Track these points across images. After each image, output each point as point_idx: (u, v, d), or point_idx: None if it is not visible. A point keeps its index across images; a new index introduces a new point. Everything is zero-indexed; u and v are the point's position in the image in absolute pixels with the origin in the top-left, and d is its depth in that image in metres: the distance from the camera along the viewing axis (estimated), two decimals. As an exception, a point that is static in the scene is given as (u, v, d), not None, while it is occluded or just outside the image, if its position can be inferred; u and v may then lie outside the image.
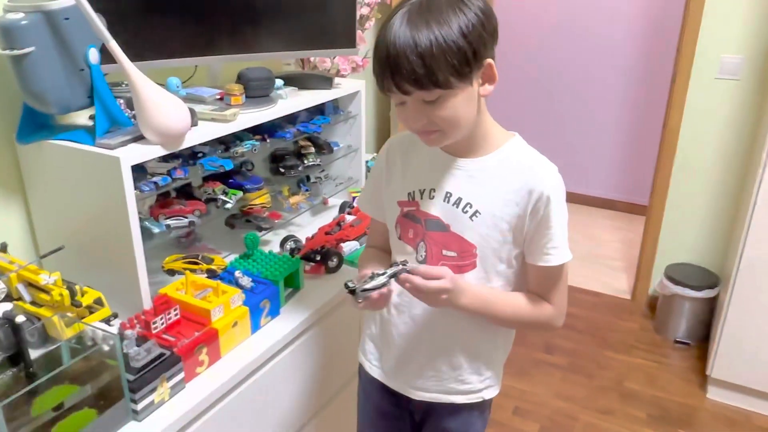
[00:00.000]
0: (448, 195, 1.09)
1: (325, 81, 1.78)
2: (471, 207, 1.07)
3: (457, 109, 0.97)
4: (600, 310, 3.04)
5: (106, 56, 1.22)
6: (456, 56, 0.92)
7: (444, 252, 1.10)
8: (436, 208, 1.10)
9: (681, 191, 2.82)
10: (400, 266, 1.02)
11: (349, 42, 1.76)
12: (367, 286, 1.01)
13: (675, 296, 2.71)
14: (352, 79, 1.94)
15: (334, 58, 1.98)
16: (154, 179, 1.31)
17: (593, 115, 4.09)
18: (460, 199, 1.08)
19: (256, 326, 1.34)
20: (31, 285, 1.20)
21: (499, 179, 1.07)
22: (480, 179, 1.08)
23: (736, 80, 2.56)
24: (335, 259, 1.58)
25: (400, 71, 0.92)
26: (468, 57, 0.93)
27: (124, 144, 1.23)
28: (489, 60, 0.98)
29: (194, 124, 1.36)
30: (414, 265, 1.04)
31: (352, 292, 1.01)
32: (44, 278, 1.16)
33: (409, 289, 1.03)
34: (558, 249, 1.07)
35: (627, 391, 2.48)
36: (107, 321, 1.19)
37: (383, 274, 1.01)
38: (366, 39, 2.04)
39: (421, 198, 1.12)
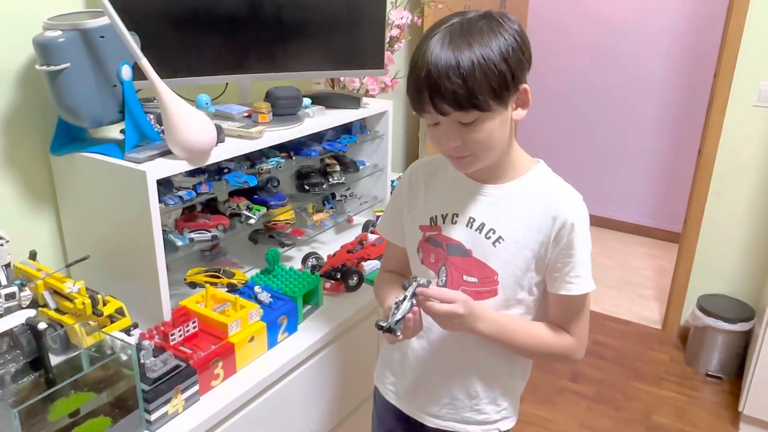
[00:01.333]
0: (471, 220, 1.08)
1: (352, 101, 1.80)
2: (494, 233, 1.06)
3: (492, 132, 0.97)
4: (629, 339, 2.97)
5: (139, 72, 1.26)
6: (497, 79, 0.92)
7: (465, 277, 1.09)
8: (458, 233, 1.09)
9: (716, 220, 2.75)
10: (414, 283, 1.01)
11: (378, 63, 1.78)
12: (398, 317, 0.99)
13: (707, 328, 2.63)
14: (381, 99, 1.95)
15: (363, 78, 2.00)
16: (179, 193, 1.34)
17: (628, 140, 4.03)
18: (483, 225, 1.07)
19: (273, 342, 1.35)
20: (56, 293, 1.24)
21: (524, 206, 1.06)
22: (504, 205, 1.07)
23: (776, 108, 2.50)
24: (355, 278, 1.58)
25: (440, 91, 0.92)
26: (507, 80, 0.93)
27: (151, 158, 1.26)
28: (525, 85, 0.98)
29: (221, 140, 1.39)
30: (425, 286, 1.02)
31: (389, 330, 0.99)
32: (69, 286, 1.19)
33: (423, 308, 1.02)
34: (581, 278, 1.05)
35: (655, 425, 2.41)
36: (127, 331, 1.21)
37: (404, 298, 1.01)
38: (395, 60, 2.05)
39: (444, 223, 1.11)
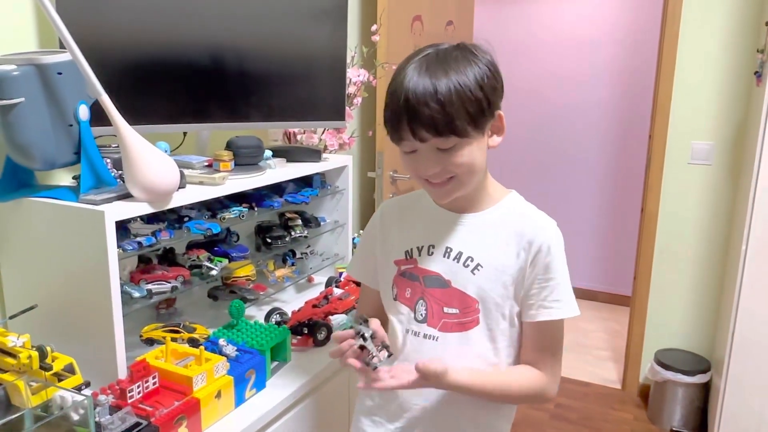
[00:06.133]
0: (448, 250, 1.06)
1: (313, 153, 1.78)
2: (472, 261, 1.04)
3: (473, 155, 0.97)
4: (591, 400, 2.93)
5: (96, 117, 1.20)
6: (473, 105, 0.93)
7: (445, 309, 1.05)
8: (435, 264, 1.06)
9: (663, 276, 2.82)
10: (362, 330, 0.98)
11: (339, 114, 1.78)
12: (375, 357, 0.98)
13: (667, 383, 2.63)
14: (340, 155, 1.94)
15: (322, 133, 1.99)
16: (138, 239, 1.25)
17: (571, 208, 4.17)
18: (460, 254, 1.05)
19: (240, 399, 1.24)
20: (-5, 350, 1.10)
21: (500, 232, 1.04)
22: (480, 232, 1.05)
23: (708, 165, 2.64)
24: (324, 331, 1.50)
25: (418, 118, 0.92)
26: (483, 106, 0.94)
27: (108, 201, 1.18)
28: (500, 111, 0.99)
29: (182, 186, 1.33)
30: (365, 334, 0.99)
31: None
32: (12, 340, 1.06)
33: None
34: (561, 302, 1.03)
35: (627, 486, 2.33)
36: (78, 390, 1.07)
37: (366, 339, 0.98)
38: (353, 115, 2.07)
39: (419, 255, 1.08)
